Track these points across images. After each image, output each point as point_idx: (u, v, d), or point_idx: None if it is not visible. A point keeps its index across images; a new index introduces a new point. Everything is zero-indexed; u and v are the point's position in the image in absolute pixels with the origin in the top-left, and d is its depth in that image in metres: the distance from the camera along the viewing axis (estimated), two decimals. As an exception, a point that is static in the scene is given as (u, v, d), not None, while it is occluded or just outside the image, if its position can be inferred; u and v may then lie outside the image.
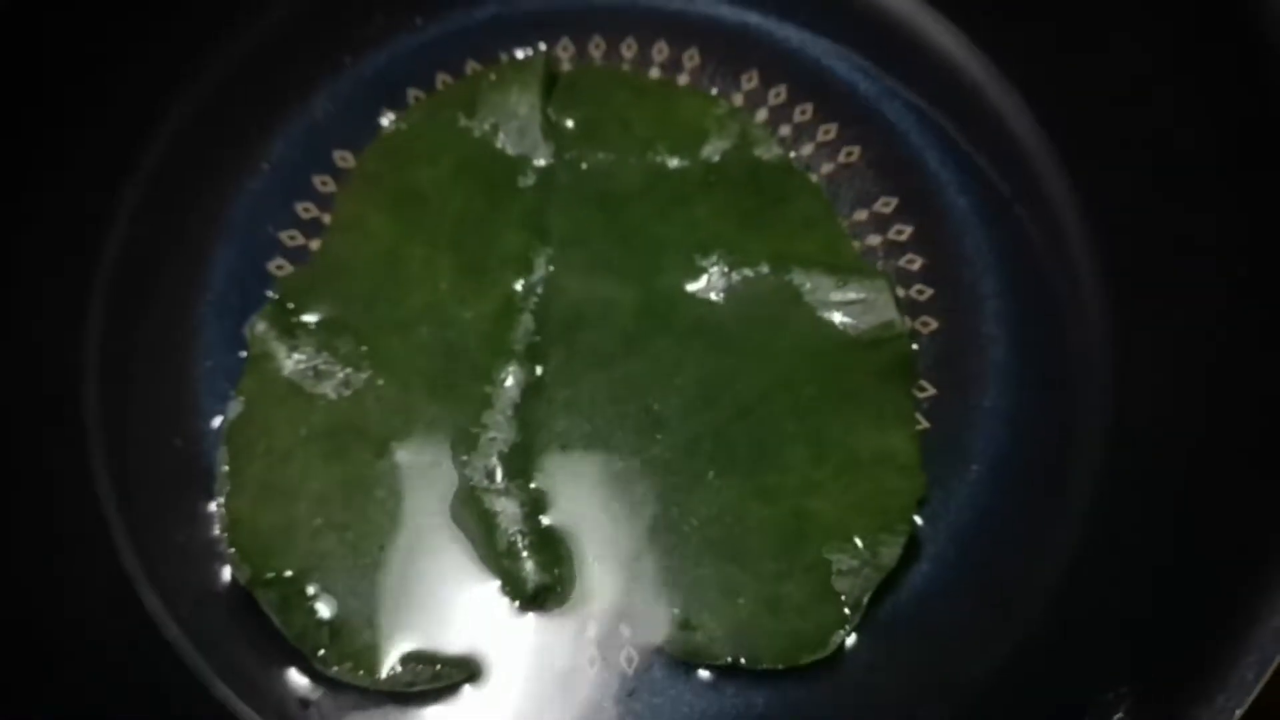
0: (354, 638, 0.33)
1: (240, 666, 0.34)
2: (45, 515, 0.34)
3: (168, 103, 0.40)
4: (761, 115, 0.40)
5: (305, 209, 0.39)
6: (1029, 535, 0.35)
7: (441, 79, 0.40)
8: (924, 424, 0.36)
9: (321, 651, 0.33)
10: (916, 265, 0.38)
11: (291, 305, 0.36)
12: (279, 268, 0.38)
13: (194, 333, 0.37)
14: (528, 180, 0.38)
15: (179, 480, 0.36)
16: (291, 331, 0.36)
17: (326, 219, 0.38)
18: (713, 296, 0.37)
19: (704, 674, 0.33)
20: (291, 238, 0.38)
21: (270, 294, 0.37)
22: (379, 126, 0.40)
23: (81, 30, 0.37)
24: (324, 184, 0.39)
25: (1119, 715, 0.28)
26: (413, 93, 0.40)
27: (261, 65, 0.40)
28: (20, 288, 0.36)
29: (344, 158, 0.39)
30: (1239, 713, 0.26)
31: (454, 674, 0.33)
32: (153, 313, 0.38)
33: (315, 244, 0.38)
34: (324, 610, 0.33)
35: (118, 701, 0.32)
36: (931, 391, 0.36)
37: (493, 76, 0.40)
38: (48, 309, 0.37)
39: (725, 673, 0.33)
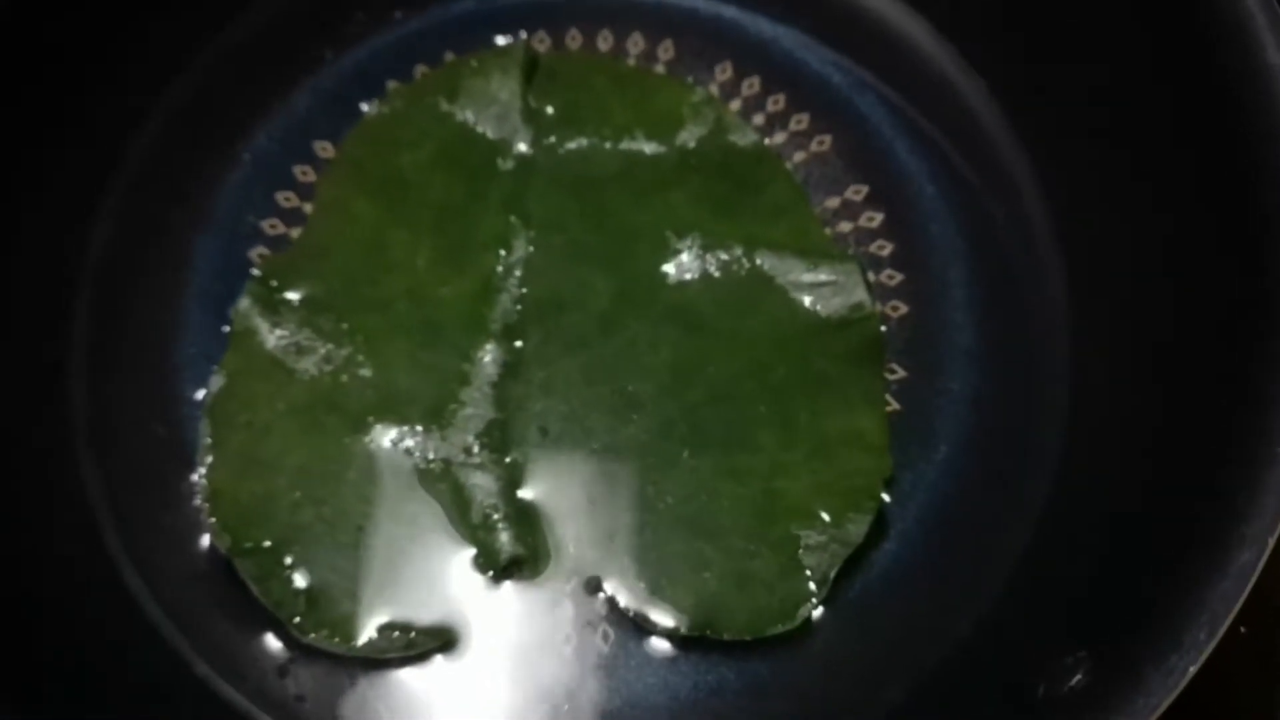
0: (330, 606, 0.33)
1: (221, 643, 0.34)
2: (30, 503, 0.35)
3: (152, 97, 0.40)
4: (735, 105, 0.40)
5: (286, 198, 0.39)
6: (994, 514, 0.35)
7: (420, 72, 0.41)
8: (894, 405, 0.37)
9: (298, 619, 0.33)
10: (886, 251, 0.39)
11: (275, 283, 0.37)
12: (261, 256, 0.38)
13: (178, 321, 0.38)
14: (507, 165, 0.39)
15: (163, 463, 0.36)
16: (274, 308, 0.37)
17: (307, 208, 0.39)
18: (687, 280, 0.37)
19: (674, 647, 0.34)
20: (273, 226, 0.39)
21: (255, 273, 0.38)
22: (359, 117, 0.40)
23: (65, 27, 0.38)
24: (304, 174, 0.40)
25: (1078, 677, 0.28)
26: (392, 85, 0.41)
27: (244, 60, 0.41)
28: (7, 281, 0.37)
29: (324, 148, 0.40)
30: (1192, 670, 0.26)
31: (427, 642, 0.33)
32: (138, 302, 0.38)
33: (296, 232, 0.39)
34: (301, 580, 0.34)
35: (101, 684, 0.32)
36: (901, 374, 0.37)
37: (474, 63, 0.40)
38: (34, 301, 0.37)
39: (696, 646, 0.34)
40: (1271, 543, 0.27)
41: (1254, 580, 0.26)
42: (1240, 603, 0.26)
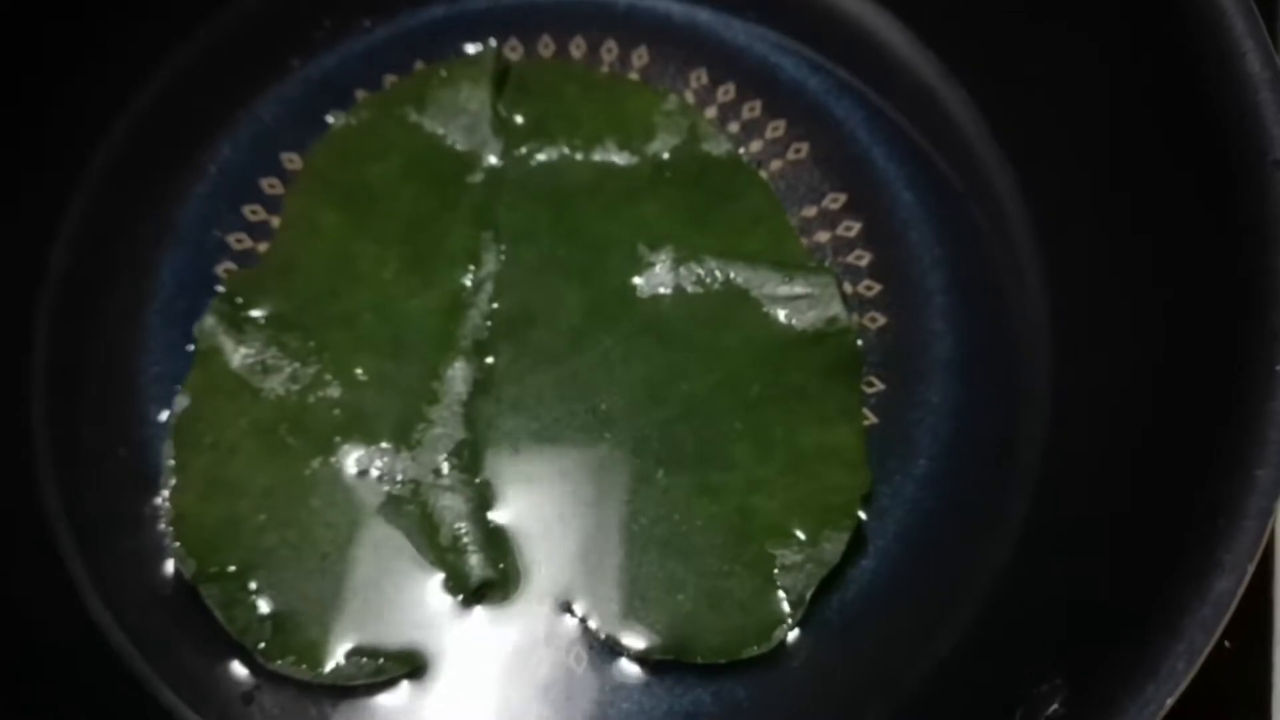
0: (296, 632, 0.33)
1: (186, 670, 0.33)
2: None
3: (114, 108, 0.39)
4: (710, 113, 0.40)
5: (253, 211, 0.39)
6: (973, 531, 0.35)
7: (389, 81, 0.40)
8: (871, 419, 0.36)
9: (263, 646, 0.33)
10: (864, 261, 0.38)
11: (240, 300, 0.36)
12: (227, 271, 0.38)
13: (141, 339, 0.37)
14: (477, 177, 0.38)
15: (126, 486, 0.35)
16: (239, 326, 0.36)
17: (274, 222, 0.38)
18: (660, 293, 0.37)
19: (648, 670, 0.33)
20: (239, 241, 0.38)
21: (219, 289, 0.37)
22: (327, 128, 0.39)
23: (26, 37, 0.37)
24: (271, 187, 0.39)
25: (1054, 706, 0.28)
26: (360, 95, 0.40)
27: (208, 69, 0.40)
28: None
29: (291, 160, 0.39)
30: (1169, 701, 0.26)
31: (396, 669, 0.33)
32: (100, 319, 0.37)
33: (263, 247, 0.38)
34: (266, 605, 0.33)
35: (62, 713, 0.32)
36: (879, 387, 0.36)
37: (443, 72, 0.40)
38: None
39: (670, 669, 0.33)
40: (1251, 570, 0.26)
41: (1234, 607, 0.26)
42: (1219, 631, 0.26)
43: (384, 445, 0.35)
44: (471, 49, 0.41)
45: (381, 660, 0.33)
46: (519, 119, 0.39)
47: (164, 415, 0.36)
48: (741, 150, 0.39)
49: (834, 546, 0.34)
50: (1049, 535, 0.33)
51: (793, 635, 0.33)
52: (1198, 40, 0.31)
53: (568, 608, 0.33)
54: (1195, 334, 0.31)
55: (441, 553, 0.34)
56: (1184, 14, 0.32)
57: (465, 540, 0.34)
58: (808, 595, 0.33)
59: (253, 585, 0.33)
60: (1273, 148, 0.29)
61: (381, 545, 0.34)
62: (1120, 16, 0.34)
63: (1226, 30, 0.31)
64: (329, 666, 0.33)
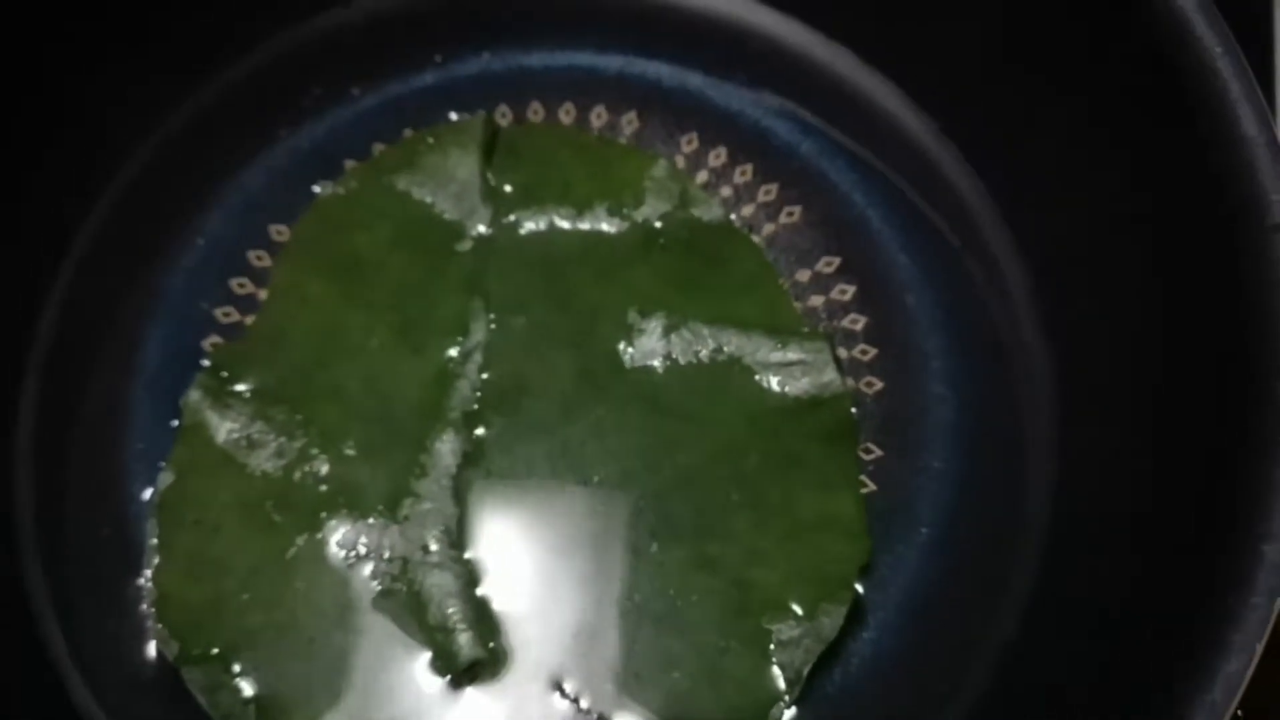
0: (282, 717, 0.32)
1: (169, 754, 0.33)
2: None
3: (100, 178, 0.39)
4: (702, 177, 0.39)
5: (240, 284, 0.38)
6: (977, 602, 0.34)
7: (378, 149, 0.40)
8: (870, 487, 0.35)
9: (248, 732, 0.32)
10: (860, 325, 0.37)
11: (225, 374, 0.36)
12: (213, 345, 0.37)
13: (126, 414, 0.36)
14: (466, 245, 0.38)
15: (109, 565, 0.35)
16: (225, 400, 0.35)
17: (262, 294, 0.38)
18: (653, 362, 0.36)
19: (645, 749, 0.32)
20: (226, 314, 0.38)
21: (205, 363, 0.36)
22: (315, 198, 0.39)
23: (8, 108, 0.37)
24: (259, 258, 0.38)
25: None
26: (349, 164, 0.39)
27: (196, 138, 0.40)
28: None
29: (279, 231, 0.39)
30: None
31: (383, 753, 0.32)
32: (85, 394, 0.37)
33: (250, 320, 0.37)
34: (250, 689, 0.32)
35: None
36: (878, 454, 0.36)
37: (431, 139, 0.39)
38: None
39: (668, 746, 0.32)
40: (1260, 650, 0.25)
41: (1243, 690, 0.25)
42: (1229, 714, 0.25)
43: (371, 521, 0.34)
44: (460, 117, 0.40)
45: (369, 744, 0.32)
46: (508, 187, 0.39)
47: (148, 493, 0.35)
48: (733, 215, 0.38)
49: (832, 621, 0.33)
50: (1055, 609, 0.32)
51: (791, 712, 0.32)
52: (1192, 101, 0.31)
53: (559, 687, 0.33)
54: (1197, 398, 0.30)
55: (430, 632, 0.33)
56: (1177, 75, 0.31)
57: (454, 619, 0.33)
58: (805, 671, 0.32)
59: (237, 668, 0.32)
60: (1271, 212, 0.29)
61: (368, 625, 0.33)
62: (1113, 78, 0.34)
63: (1221, 92, 0.30)
64: (314, 752, 0.32)
